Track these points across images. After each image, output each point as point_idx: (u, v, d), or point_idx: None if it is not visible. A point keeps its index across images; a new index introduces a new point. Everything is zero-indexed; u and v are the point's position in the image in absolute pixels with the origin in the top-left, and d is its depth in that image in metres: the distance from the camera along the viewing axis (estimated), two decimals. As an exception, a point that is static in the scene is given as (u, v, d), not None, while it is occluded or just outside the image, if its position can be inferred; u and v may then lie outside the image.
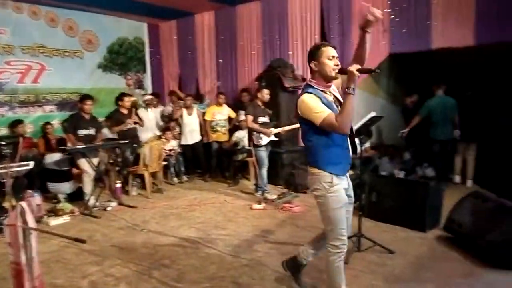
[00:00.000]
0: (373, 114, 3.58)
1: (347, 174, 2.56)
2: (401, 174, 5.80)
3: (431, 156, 6.28)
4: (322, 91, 2.42)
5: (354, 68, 2.23)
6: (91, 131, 5.42)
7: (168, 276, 3.23)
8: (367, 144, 6.01)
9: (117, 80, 8.31)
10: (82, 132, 5.33)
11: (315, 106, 2.31)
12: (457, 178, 6.37)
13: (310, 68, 2.46)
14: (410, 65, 8.16)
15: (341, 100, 2.42)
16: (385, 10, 6.49)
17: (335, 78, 2.42)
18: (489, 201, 3.72)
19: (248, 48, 7.81)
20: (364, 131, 3.81)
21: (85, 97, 5.52)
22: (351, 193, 2.62)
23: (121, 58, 8.40)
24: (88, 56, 7.79)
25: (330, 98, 2.43)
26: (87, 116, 5.43)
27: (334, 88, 2.50)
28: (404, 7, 6.34)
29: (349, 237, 3.67)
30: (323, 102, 2.33)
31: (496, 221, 3.38)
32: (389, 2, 6.35)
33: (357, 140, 5.63)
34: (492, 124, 6.07)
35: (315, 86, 2.42)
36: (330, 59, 2.38)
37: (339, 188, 2.42)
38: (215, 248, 3.79)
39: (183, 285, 3.06)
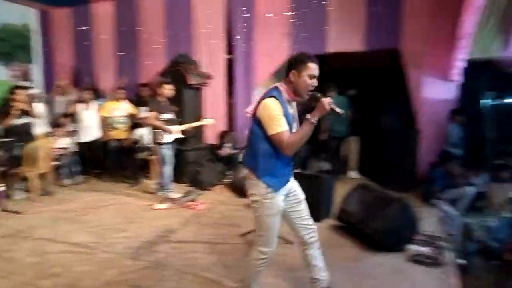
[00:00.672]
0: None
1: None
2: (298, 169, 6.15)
3: (328, 152, 6.76)
4: (288, 101, 2.37)
5: (327, 102, 2.23)
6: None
7: (59, 285, 2.97)
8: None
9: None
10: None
11: (276, 115, 2.24)
12: (351, 172, 6.97)
13: (287, 74, 2.36)
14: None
15: (296, 117, 2.45)
16: (287, 13, 6.83)
17: (304, 98, 2.36)
18: (374, 192, 4.14)
19: (151, 42, 7.55)
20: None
21: None
22: (299, 191, 2.59)
23: (5, 46, 7.45)
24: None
25: (291, 111, 2.39)
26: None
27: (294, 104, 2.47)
28: (304, 11, 6.72)
29: (248, 232, 3.83)
30: (284, 114, 2.27)
31: (379, 209, 3.77)
32: (291, 6, 6.67)
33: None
34: (374, 121, 6.76)
35: (283, 94, 2.35)
36: (310, 78, 2.32)
37: (276, 195, 2.37)
38: (114, 252, 3.59)
39: (76, 294, 2.85)
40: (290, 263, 3.36)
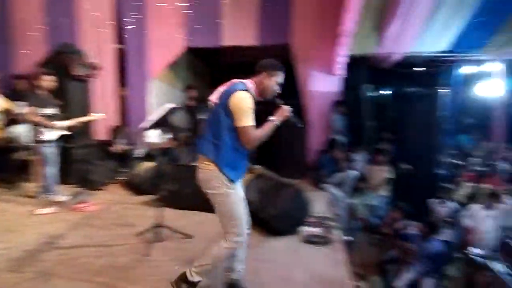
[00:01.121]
0: (170, 105, 3.62)
1: None
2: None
3: None
4: (253, 98, 2.42)
5: (287, 110, 2.44)
6: None
7: None
8: (168, 136, 6.06)
9: None
10: None
11: (248, 108, 2.33)
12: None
13: (259, 74, 2.48)
14: (206, 58, 8.66)
15: None
16: (180, 4, 6.68)
17: (267, 99, 2.48)
18: (270, 180, 4.34)
19: (27, 29, 6.72)
20: (164, 123, 3.83)
21: None
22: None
23: None
24: None
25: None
26: None
27: None
28: (198, 3, 6.66)
29: (146, 230, 3.70)
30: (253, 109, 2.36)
31: (273, 196, 3.97)
32: (184, -4, 6.55)
33: (158, 132, 5.66)
34: (264, 114, 7.04)
35: (251, 90, 2.43)
36: (277, 84, 2.48)
37: (236, 185, 2.48)
38: (-12, 266, 3.15)
39: None
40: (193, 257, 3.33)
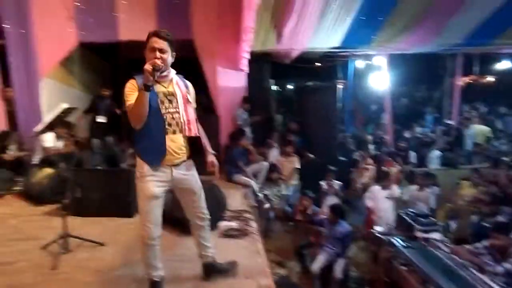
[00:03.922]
0: (65, 105, 3.35)
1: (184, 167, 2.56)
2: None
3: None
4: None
5: (148, 67, 2.22)
6: None
7: None
8: (66, 138, 5.60)
9: None
10: None
11: (127, 93, 2.37)
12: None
13: None
14: (104, 54, 8.14)
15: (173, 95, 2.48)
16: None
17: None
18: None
19: None
20: (60, 124, 3.54)
21: None
22: (190, 183, 2.63)
23: None
24: None
25: (160, 90, 2.43)
26: None
27: (183, 83, 2.58)
28: (90, -5, 6.22)
29: (54, 241, 3.41)
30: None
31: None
32: (74, -12, 6.06)
33: (52, 134, 5.19)
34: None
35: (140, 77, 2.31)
36: (151, 51, 2.35)
37: (150, 179, 2.43)
38: None
39: None
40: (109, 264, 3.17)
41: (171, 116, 2.45)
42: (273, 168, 6.31)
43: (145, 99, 2.28)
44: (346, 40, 7.33)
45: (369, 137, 10.02)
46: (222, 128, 6.62)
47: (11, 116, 6.29)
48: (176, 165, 2.51)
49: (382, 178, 6.07)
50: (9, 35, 6.05)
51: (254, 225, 4.01)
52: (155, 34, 2.39)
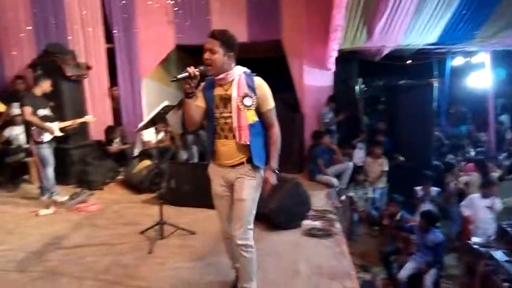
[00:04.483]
0: (165, 103, 3.63)
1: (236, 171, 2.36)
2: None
3: None
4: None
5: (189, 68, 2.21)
6: None
7: None
8: (164, 134, 6.08)
9: None
10: None
11: None
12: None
13: None
14: (197, 55, 8.64)
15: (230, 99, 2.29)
16: (168, 1, 6.68)
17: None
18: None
19: (16, 30, 6.63)
20: (160, 121, 3.86)
21: None
22: (236, 189, 2.38)
23: None
24: None
25: (218, 93, 2.32)
26: None
27: (247, 84, 2.30)
28: (186, 0, 6.66)
29: (151, 227, 3.74)
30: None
31: (273, 191, 3.99)
32: (172, -7, 6.54)
33: (153, 130, 5.65)
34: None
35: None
36: (203, 52, 2.29)
37: (212, 179, 2.47)
38: (-7, 268, 3.15)
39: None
40: (199, 252, 3.38)
41: (224, 120, 2.30)
42: (359, 169, 6.13)
43: (188, 106, 2.28)
44: (444, 36, 6.81)
45: (466, 140, 9.20)
46: (306, 127, 6.62)
47: (116, 113, 7.03)
48: (230, 167, 2.37)
49: (485, 186, 5.45)
50: (116, 39, 6.75)
51: (338, 226, 3.95)
52: (209, 34, 2.30)
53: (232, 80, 2.31)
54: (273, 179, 2.39)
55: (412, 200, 5.88)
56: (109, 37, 6.79)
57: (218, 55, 2.25)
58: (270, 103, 2.35)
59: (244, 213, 2.36)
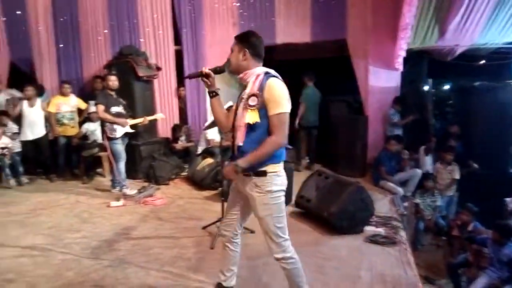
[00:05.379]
0: (230, 103, 3.70)
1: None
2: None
3: (295, 140, 6.78)
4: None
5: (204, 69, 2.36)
6: None
7: (14, 292, 2.79)
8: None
9: None
10: None
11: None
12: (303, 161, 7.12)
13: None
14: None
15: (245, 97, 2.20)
16: (234, 4, 6.82)
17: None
18: (329, 178, 4.29)
19: (94, 33, 7.18)
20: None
21: None
22: (253, 206, 2.29)
23: None
24: None
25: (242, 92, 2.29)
26: None
27: (259, 84, 2.16)
28: (251, 2, 6.75)
29: (213, 223, 3.83)
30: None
31: (335, 194, 3.92)
32: (238, -5, 6.67)
33: (217, 129, 5.79)
34: (324, 110, 6.95)
35: None
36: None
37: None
38: (71, 253, 3.42)
39: (35, 299, 2.70)
40: (258, 250, 3.41)
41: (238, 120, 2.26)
42: (427, 175, 5.78)
43: (212, 105, 2.44)
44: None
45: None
46: (370, 130, 6.39)
47: (182, 112, 7.33)
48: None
49: None
50: (184, 41, 7.03)
51: (403, 234, 3.77)
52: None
53: (250, 80, 2.22)
54: (230, 175, 2.18)
55: (501, 211, 5.42)
56: (177, 39, 7.09)
57: (234, 52, 2.28)
58: (277, 107, 2.09)
59: (267, 228, 2.25)
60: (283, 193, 2.24)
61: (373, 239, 3.56)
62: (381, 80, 6.54)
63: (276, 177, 2.19)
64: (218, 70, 2.38)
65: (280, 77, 2.21)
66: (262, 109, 2.10)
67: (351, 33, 6.41)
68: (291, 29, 6.64)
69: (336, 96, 7.18)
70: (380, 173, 5.61)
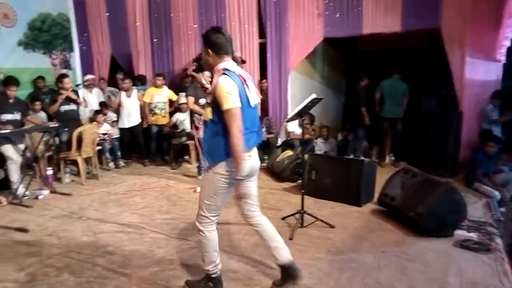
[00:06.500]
0: (313, 96, 3.69)
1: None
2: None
3: (379, 133, 6.66)
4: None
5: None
6: (16, 116, 4.97)
7: (114, 262, 3.12)
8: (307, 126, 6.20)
9: (41, 59, 7.58)
10: (6, 117, 4.87)
11: None
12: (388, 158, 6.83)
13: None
14: (341, 47, 8.52)
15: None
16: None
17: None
18: (417, 176, 4.06)
19: (184, 28, 7.61)
20: (306, 113, 3.94)
21: (9, 82, 4.98)
22: None
23: (45, 35, 7.68)
24: (5, 32, 7.02)
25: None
26: (11, 100, 4.96)
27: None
28: (337, -8, 6.58)
29: (292, 214, 3.88)
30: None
31: (423, 194, 3.71)
32: (323, -14, 6.54)
33: (298, 122, 5.79)
34: (414, 104, 6.56)
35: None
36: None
37: None
38: (161, 233, 3.73)
39: (130, 271, 2.99)
40: (338, 246, 3.39)
41: None
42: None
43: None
44: None
45: None
46: (464, 126, 5.88)
47: (264, 104, 7.44)
48: None
49: None
50: (268, 34, 7.11)
51: (499, 241, 3.44)
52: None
53: (215, 77, 2.31)
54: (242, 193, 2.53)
55: None
56: (261, 32, 7.21)
57: (203, 52, 2.38)
58: (225, 104, 2.21)
59: (199, 199, 2.62)
60: (226, 181, 2.41)
61: (464, 244, 3.30)
62: (479, 73, 5.96)
63: (225, 163, 2.36)
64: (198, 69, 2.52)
65: (237, 72, 2.30)
66: (216, 106, 2.27)
67: (446, 21, 5.92)
68: (380, 18, 6.33)
69: (427, 89, 6.74)
70: (476, 176, 5.15)
